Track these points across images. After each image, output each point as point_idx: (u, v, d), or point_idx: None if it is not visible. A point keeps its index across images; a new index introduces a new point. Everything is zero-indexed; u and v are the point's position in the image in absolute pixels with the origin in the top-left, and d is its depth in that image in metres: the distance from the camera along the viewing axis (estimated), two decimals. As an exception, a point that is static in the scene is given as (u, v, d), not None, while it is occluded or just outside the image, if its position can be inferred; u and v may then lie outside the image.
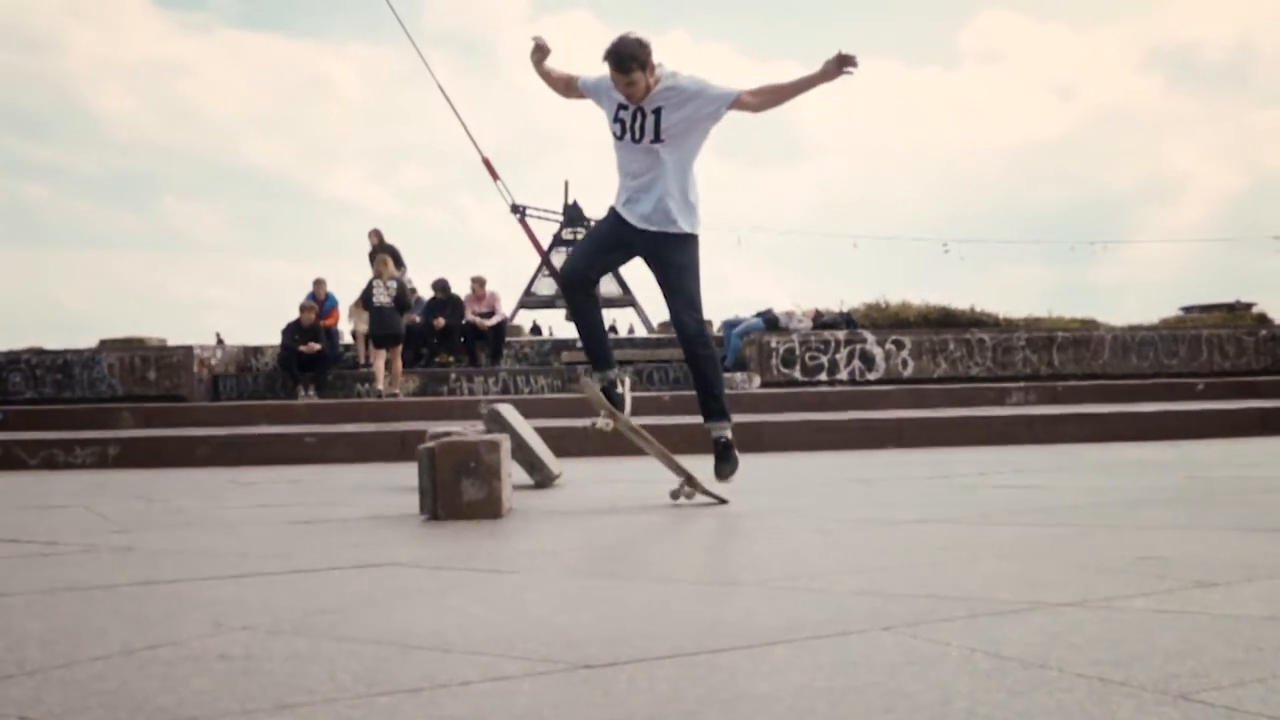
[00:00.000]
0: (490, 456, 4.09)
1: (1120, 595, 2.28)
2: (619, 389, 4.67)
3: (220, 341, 15.73)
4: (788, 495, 4.81)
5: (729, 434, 4.55)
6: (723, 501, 4.44)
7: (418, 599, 2.50)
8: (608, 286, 26.93)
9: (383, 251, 14.07)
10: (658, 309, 20.02)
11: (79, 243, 61.95)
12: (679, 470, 4.51)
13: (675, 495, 4.45)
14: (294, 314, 13.00)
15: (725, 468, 4.53)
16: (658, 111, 4.29)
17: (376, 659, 1.89)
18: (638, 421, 4.80)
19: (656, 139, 4.31)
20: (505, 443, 4.30)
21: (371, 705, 1.60)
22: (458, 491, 4.07)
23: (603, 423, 4.61)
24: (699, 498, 4.45)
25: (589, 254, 4.75)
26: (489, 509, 4.04)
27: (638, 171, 4.38)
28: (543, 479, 5.33)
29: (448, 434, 4.64)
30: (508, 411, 5.52)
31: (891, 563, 2.84)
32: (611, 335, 23.36)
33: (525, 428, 5.51)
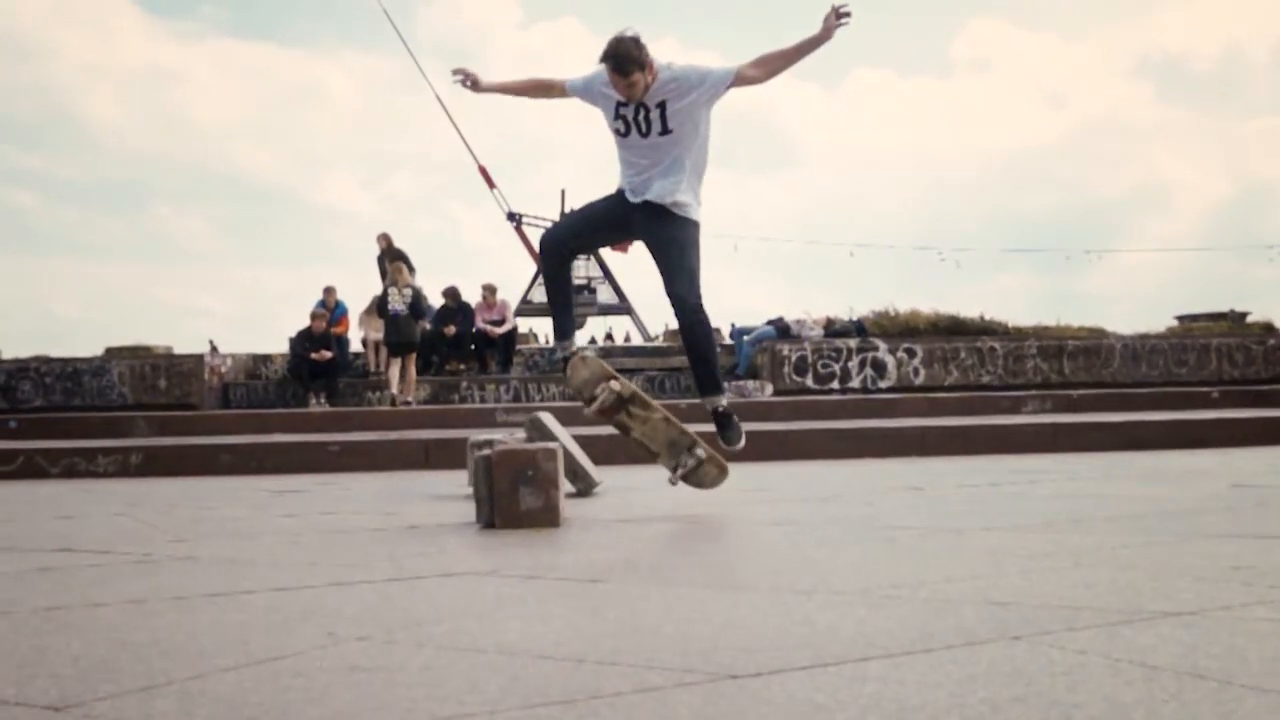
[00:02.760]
0: (548, 465, 4.06)
1: (1238, 604, 2.26)
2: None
3: (214, 349, 15.61)
4: (836, 504, 4.79)
5: (725, 402, 4.58)
6: (725, 469, 4.51)
7: (519, 608, 2.47)
8: (605, 295, 26.79)
9: (392, 256, 14.03)
10: (654, 317, 19.95)
11: (69, 250, 61.81)
12: (684, 435, 4.54)
13: (673, 482, 4.49)
14: (287, 320, 13.20)
15: (732, 434, 4.55)
16: (662, 105, 4.25)
17: (514, 669, 1.86)
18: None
19: (665, 132, 4.28)
20: (560, 451, 4.27)
21: (532, 716, 1.58)
22: (515, 500, 4.03)
23: (616, 386, 4.55)
24: (696, 490, 4.53)
25: (576, 226, 4.79)
26: (547, 517, 4.01)
27: (646, 165, 4.35)
28: (585, 487, 5.30)
29: (490, 442, 4.62)
30: (549, 420, 5.49)
31: (978, 571, 2.82)
32: (609, 343, 23.31)
33: (566, 436, 5.47)
